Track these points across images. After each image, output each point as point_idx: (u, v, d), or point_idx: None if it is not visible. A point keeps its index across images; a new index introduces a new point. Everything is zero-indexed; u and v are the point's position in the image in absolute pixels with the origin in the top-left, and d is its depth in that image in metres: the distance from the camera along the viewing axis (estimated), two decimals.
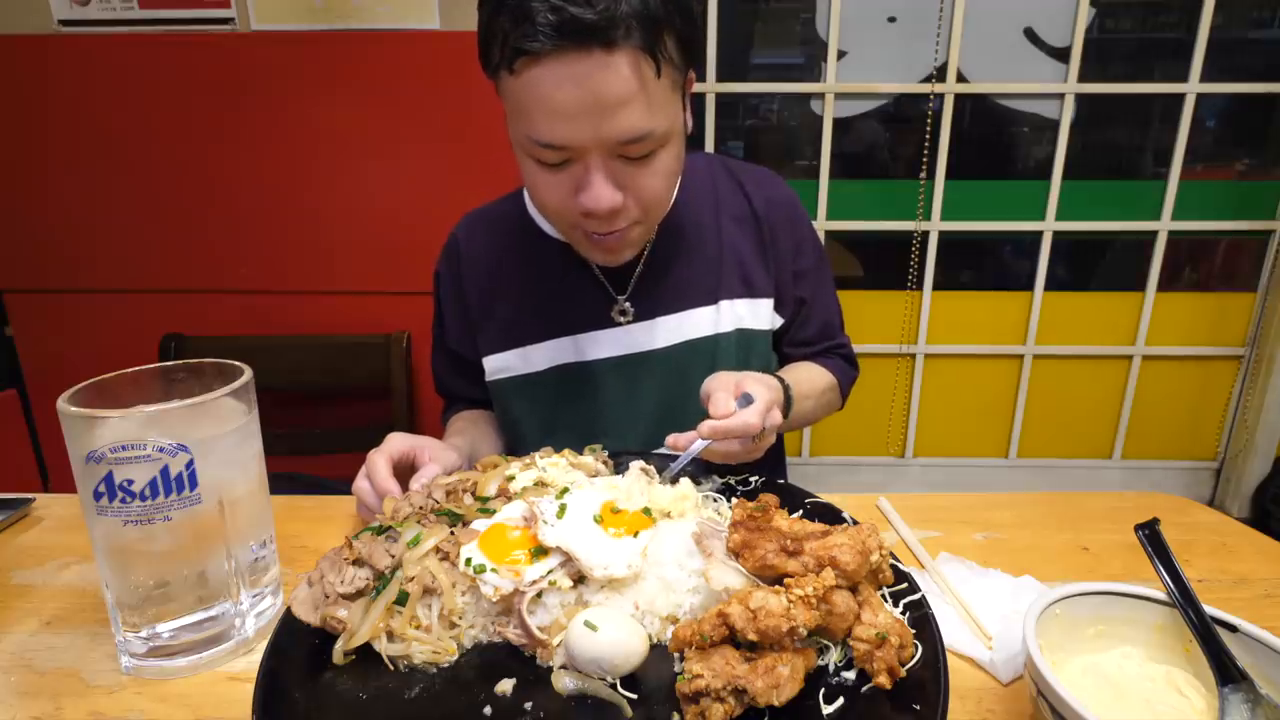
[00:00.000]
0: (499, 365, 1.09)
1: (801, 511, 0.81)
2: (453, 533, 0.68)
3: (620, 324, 1.06)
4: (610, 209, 0.84)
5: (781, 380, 0.96)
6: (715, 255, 1.08)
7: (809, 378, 1.11)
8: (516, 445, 1.13)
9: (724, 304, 1.07)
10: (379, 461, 0.84)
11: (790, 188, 1.15)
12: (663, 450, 1.06)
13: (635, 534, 0.69)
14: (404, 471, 0.87)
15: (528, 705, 0.57)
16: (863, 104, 2.45)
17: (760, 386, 0.85)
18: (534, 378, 1.08)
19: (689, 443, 0.83)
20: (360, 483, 0.85)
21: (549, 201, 0.89)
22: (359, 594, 0.64)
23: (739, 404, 0.83)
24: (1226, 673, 0.54)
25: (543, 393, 1.08)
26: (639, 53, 0.77)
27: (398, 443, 0.88)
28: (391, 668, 0.61)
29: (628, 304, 1.06)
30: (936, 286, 2.59)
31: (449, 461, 0.89)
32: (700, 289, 1.07)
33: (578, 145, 0.81)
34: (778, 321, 1.12)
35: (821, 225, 2.52)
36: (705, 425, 0.81)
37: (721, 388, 0.84)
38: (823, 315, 1.17)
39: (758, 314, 1.10)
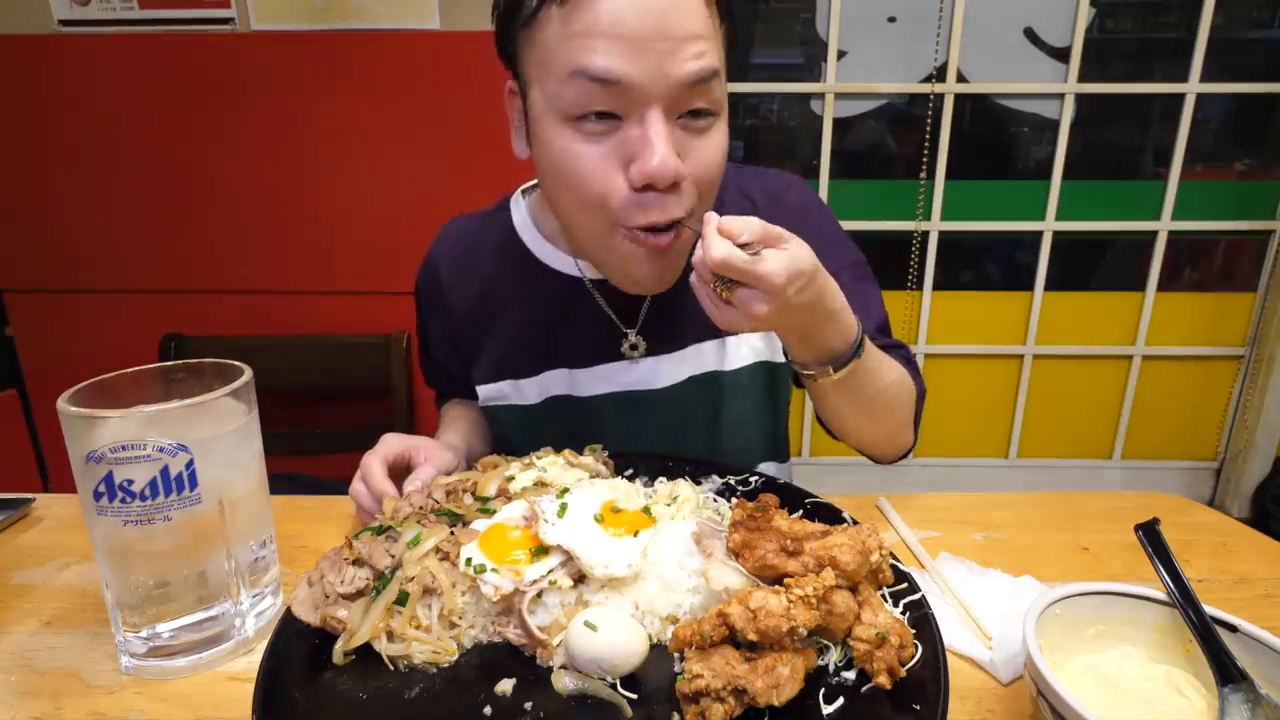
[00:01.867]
0: (492, 394, 1.03)
1: (801, 511, 0.80)
2: (453, 533, 0.68)
3: (631, 358, 0.98)
4: (675, 175, 0.71)
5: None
6: None
7: (881, 354, 0.86)
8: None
9: (729, 339, 0.99)
10: (373, 464, 0.84)
11: (806, 188, 1.04)
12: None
13: (635, 533, 0.69)
14: (401, 472, 0.87)
15: (528, 705, 0.57)
16: (863, 104, 2.45)
17: (806, 251, 0.67)
18: (529, 408, 1.03)
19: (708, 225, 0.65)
20: (356, 485, 0.85)
21: (589, 186, 0.74)
22: (359, 594, 0.63)
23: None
24: (1226, 673, 0.54)
25: (538, 422, 1.02)
26: None
27: (393, 444, 0.88)
28: (391, 668, 0.61)
29: (639, 338, 0.97)
30: (936, 286, 2.59)
31: (445, 462, 0.88)
32: (708, 322, 0.98)
33: (640, 83, 0.68)
34: None
35: None
36: (712, 216, 0.65)
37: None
38: (862, 316, 1.00)
39: (774, 345, 1.00)
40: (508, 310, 1.01)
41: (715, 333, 0.98)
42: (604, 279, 0.93)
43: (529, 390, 1.02)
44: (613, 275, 0.86)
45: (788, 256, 0.64)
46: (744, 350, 1.00)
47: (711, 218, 0.64)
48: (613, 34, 0.68)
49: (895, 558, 0.68)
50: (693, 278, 0.68)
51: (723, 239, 0.63)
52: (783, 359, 1.00)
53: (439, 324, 1.09)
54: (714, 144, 0.76)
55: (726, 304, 0.67)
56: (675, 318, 0.97)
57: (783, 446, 1.10)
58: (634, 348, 0.97)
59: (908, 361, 1.01)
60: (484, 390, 1.04)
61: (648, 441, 1.00)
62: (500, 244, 1.01)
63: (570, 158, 0.74)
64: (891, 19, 2.36)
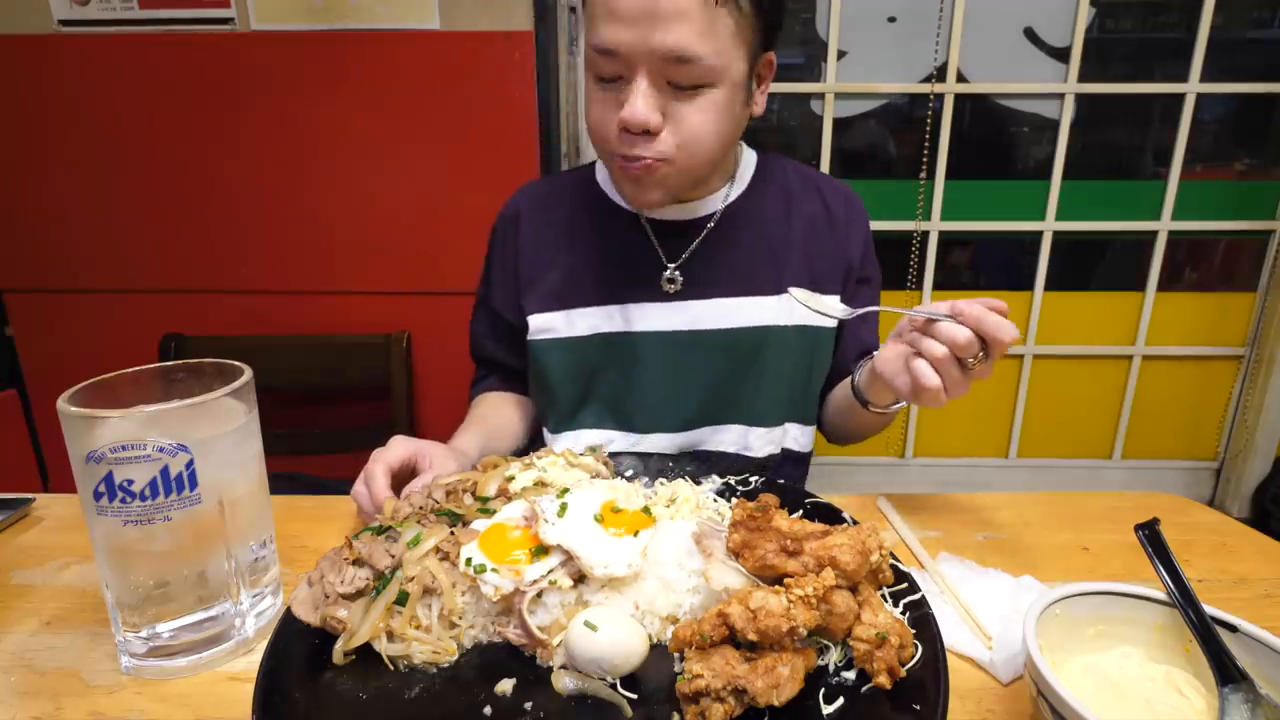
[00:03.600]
0: (542, 325, 1.08)
1: (801, 511, 0.81)
2: (453, 533, 0.68)
3: (668, 292, 1.06)
4: (641, 124, 0.87)
5: None
6: (783, 250, 1.07)
7: None
8: (548, 413, 1.13)
9: (786, 297, 1.06)
10: (377, 471, 0.84)
11: (864, 205, 1.16)
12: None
13: (635, 533, 0.69)
14: (406, 476, 0.87)
15: (528, 705, 0.57)
16: (863, 104, 2.45)
17: None
18: (575, 341, 1.07)
19: (930, 310, 0.77)
20: (359, 488, 0.85)
21: (597, 120, 0.92)
22: (359, 594, 0.64)
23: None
24: (1226, 673, 0.54)
25: (582, 358, 1.08)
26: None
27: (399, 450, 0.87)
28: (391, 668, 0.61)
29: (677, 273, 1.05)
30: (936, 286, 2.58)
31: (448, 470, 0.88)
32: (762, 277, 1.07)
33: (626, 51, 0.84)
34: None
35: None
36: (950, 304, 0.75)
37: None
38: (873, 334, 1.16)
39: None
40: (572, 241, 1.10)
41: (765, 289, 1.07)
42: (661, 219, 1.07)
43: (580, 322, 1.07)
44: (616, 189, 1.07)
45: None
46: (797, 312, 1.07)
47: (981, 312, 0.73)
48: (613, 13, 0.84)
49: (895, 558, 0.68)
50: (930, 370, 0.76)
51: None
52: (826, 325, 1.09)
53: (505, 262, 1.14)
54: (699, 108, 0.89)
55: (965, 373, 0.76)
56: (720, 265, 1.07)
57: (810, 412, 1.15)
58: (671, 281, 1.06)
59: None
60: (535, 321, 1.08)
61: (692, 384, 1.07)
62: (578, 187, 1.14)
63: (591, 99, 0.94)
64: (891, 19, 2.36)
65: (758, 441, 1.09)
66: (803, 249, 1.08)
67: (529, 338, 1.09)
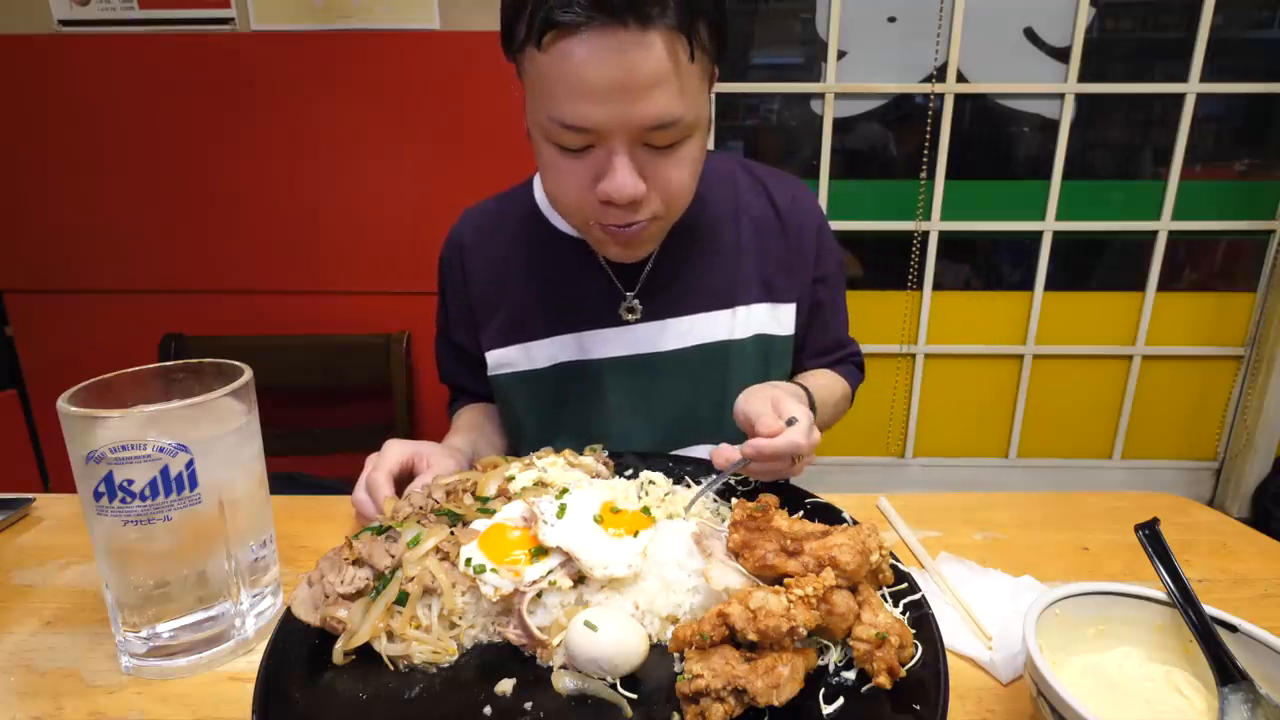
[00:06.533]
0: (501, 360, 1.07)
1: (801, 511, 0.80)
2: (453, 533, 0.68)
3: (628, 321, 1.04)
4: (631, 198, 0.81)
5: (804, 388, 0.96)
6: (734, 258, 1.05)
7: (827, 385, 1.09)
8: (517, 443, 1.12)
9: (740, 309, 1.05)
10: (380, 480, 0.83)
11: (813, 195, 1.13)
12: (671, 452, 1.06)
13: (635, 534, 0.69)
14: (405, 479, 0.87)
15: (528, 705, 0.57)
16: (863, 104, 2.45)
17: (800, 406, 0.83)
18: (535, 374, 1.06)
19: (727, 459, 0.81)
20: (360, 495, 0.84)
21: (567, 190, 0.85)
22: (359, 594, 0.63)
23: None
24: (1226, 673, 0.54)
25: (544, 390, 1.06)
26: (674, 33, 0.75)
27: (396, 453, 0.87)
28: (391, 668, 0.61)
29: (636, 301, 1.03)
30: (936, 286, 2.59)
31: (447, 469, 0.88)
32: (715, 292, 1.05)
33: (604, 128, 0.77)
34: (796, 327, 1.10)
35: None
36: (750, 444, 0.78)
37: (763, 408, 0.81)
38: (841, 323, 1.16)
39: (779, 319, 1.08)
40: (522, 273, 1.07)
41: (718, 303, 1.05)
42: None
43: (538, 354, 1.06)
44: (592, 246, 1.00)
45: (805, 426, 0.81)
46: (750, 323, 1.06)
47: (772, 454, 0.78)
48: (576, 87, 0.75)
49: (895, 558, 0.68)
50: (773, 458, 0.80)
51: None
52: (781, 333, 1.09)
53: (458, 296, 1.12)
54: (678, 161, 0.84)
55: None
56: (675, 285, 1.04)
57: None
58: (631, 310, 1.04)
59: (857, 365, 1.21)
60: (493, 357, 1.08)
61: (657, 408, 1.06)
62: (520, 213, 1.09)
63: (553, 167, 0.85)
64: (891, 19, 2.36)
65: None
66: (753, 254, 1.06)
67: (489, 373, 1.08)
